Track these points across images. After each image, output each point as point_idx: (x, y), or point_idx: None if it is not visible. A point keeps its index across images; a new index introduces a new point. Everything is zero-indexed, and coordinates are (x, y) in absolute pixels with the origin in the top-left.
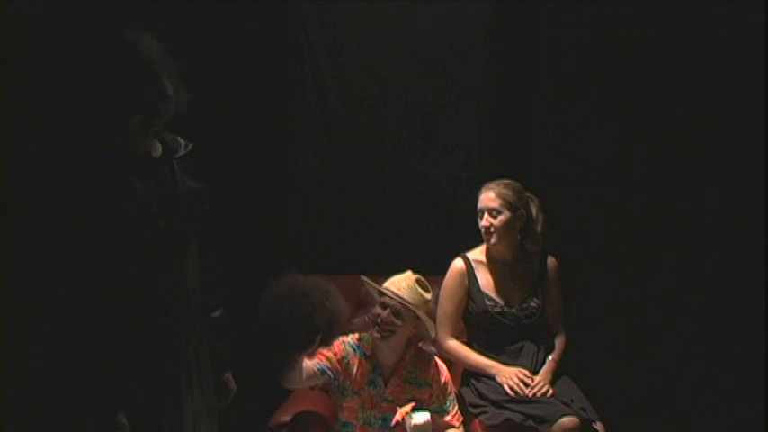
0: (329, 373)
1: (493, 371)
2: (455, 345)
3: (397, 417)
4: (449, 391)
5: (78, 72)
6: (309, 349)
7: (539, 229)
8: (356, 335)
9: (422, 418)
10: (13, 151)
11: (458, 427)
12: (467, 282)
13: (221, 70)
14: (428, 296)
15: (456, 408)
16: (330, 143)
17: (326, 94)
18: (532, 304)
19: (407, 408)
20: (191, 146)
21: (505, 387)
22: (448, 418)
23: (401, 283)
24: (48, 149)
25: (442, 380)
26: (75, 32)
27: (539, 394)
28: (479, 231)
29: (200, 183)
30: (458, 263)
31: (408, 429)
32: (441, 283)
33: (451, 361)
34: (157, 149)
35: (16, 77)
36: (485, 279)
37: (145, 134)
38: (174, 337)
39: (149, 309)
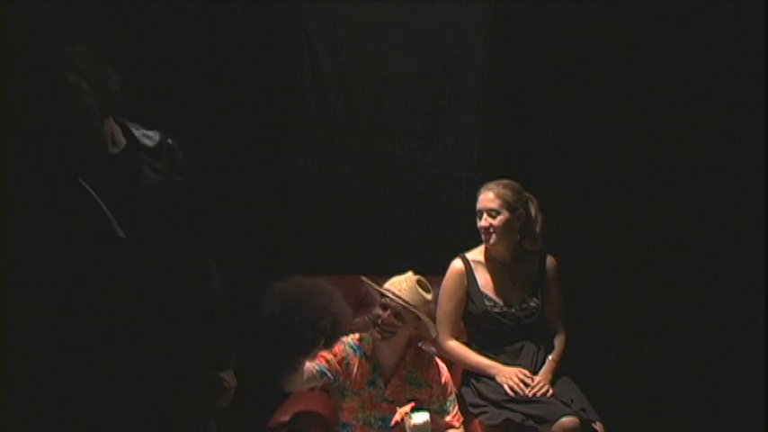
0: (329, 374)
1: (493, 371)
2: (455, 345)
3: (397, 417)
4: (449, 391)
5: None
6: (312, 353)
7: (538, 229)
8: (356, 335)
9: (421, 418)
10: (13, 151)
11: (458, 428)
12: (466, 282)
13: (221, 70)
14: (429, 297)
15: (456, 408)
16: (330, 143)
17: (326, 94)
18: (532, 304)
19: (407, 408)
20: (169, 139)
21: (505, 387)
22: (448, 418)
23: (402, 285)
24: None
25: (443, 380)
26: (75, 32)
27: (539, 394)
28: (479, 231)
29: (179, 176)
30: (457, 263)
31: (408, 429)
32: (441, 284)
33: (451, 361)
34: (119, 145)
35: (16, 77)
36: (484, 279)
37: (79, 128)
38: (153, 336)
39: (111, 307)
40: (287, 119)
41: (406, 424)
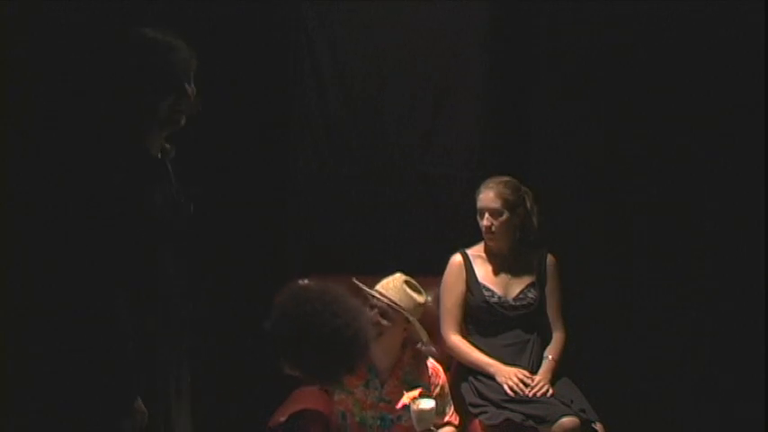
0: None
1: (492, 369)
2: (458, 341)
3: (405, 400)
4: (445, 392)
5: (103, 67)
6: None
7: (536, 222)
8: None
9: (428, 404)
10: (14, 151)
11: (456, 425)
12: (465, 274)
13: (221, 70)
14: (419, 299)
15: (452, 408)
16: (330, 143)
17: (326, 94)
18: (530, 295)
19: (415, 393)
20: (173, 148)
21: (505, 387)
22: (446, 419)
23: (389, 284)
24: (59, 150)
25: (440, 382)
26: (74, 32)
27: (539, 394)
28: (479, 231)
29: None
30: (456, 257)
31: (414, 414)
32: (441, 282)
33: (452, 357)
34: (157, 151)
35: (16, 77)
36: (483, 271)
37: (168, 126)
38: (179, 337)
39: (162, 307)
40: (287, 119)
41: (414, 408)
